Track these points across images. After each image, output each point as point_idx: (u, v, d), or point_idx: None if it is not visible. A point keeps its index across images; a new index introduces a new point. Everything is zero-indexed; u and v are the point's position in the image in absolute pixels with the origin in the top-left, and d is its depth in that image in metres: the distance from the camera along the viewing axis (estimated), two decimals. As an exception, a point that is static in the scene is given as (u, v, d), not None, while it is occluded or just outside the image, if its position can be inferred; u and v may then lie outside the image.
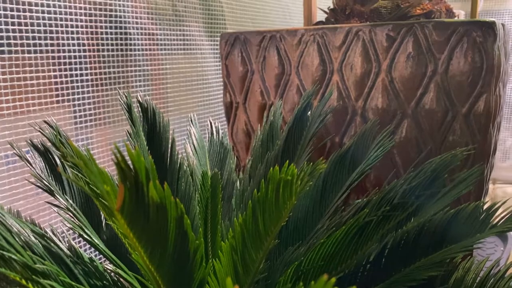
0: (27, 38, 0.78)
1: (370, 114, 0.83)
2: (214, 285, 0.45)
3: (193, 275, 0.43)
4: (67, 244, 0.55)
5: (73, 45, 0.87)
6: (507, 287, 0.48)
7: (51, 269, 0.43)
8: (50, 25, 0.82)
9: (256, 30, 0.96)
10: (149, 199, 0.32)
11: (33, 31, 0.79)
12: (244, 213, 0.39)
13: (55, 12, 0.82)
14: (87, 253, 0.56)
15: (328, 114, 0.73)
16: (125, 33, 0.98)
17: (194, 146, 0.76)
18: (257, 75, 0.96)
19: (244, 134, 1.01)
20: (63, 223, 0.58)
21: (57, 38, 0.84)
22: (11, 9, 0.75)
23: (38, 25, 0.80)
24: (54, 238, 0.54)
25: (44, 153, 0.60)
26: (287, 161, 0.47)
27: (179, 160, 0.67)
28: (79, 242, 0.87)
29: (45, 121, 0.61)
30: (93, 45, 0.91)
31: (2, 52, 0.75)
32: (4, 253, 0.41)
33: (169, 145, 0.68)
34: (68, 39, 0.86)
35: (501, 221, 0.51)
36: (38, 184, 0.58)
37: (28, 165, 0.59)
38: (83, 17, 0.88)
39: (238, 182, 0.73)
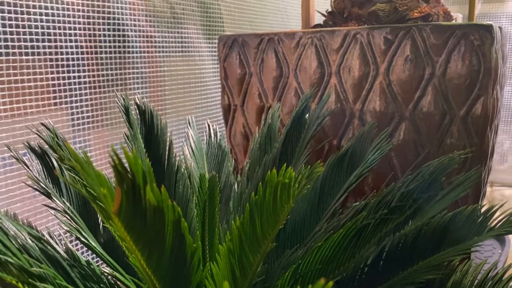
0: (25, 40, 0.78)
1: (368, 116, 0.84)
2: (212, 288, 0.45)
3: (191, 278, 0.43)
4: (64, 247, 0.54)
5: (71, 47, 0.87)
6: (504, 290, 0.48)
7: (47, 272, 0.43)
8: (48, 28, 0.82)
9: (254, 32, 0.96)
10: (146, 202, 0.32)
11: (30, 33, 0.79)
12: (241, 216, 0.39)
13: (53, 15, 0.82)
14: (84, 256, 0.56)
15: (326, 117, 0.73)
16: (123, 36, 0.98)
17: (192, 148, 0.76)
18: (255, 77, 0.96)
19: (242, 137, 1.01)
20: (60, 226, 0.58)
21: (55, 41, 0.83)
22: (9, 12, 0.75)
23: (36, 27, 0.80)
24: (51, 241, 0.54)
25: (41, 156, 0.60)
26: (285, 164, 0.47)
27: (176, 163, 0.67)
28: (76, 245, 0.87)
29: (42, 124, 0.60)
30: (91, 47, 0.91)
31: (0, 54, 0.75)
32: (1, 256, 0.41)
33: (167, 148, 0.68)
34: (66, 41, 0.85)
35: (499, 224, 0.51)
36: (35, 186, 0.58)
37: (25, 167, 0.58)
38: (81, 20, 0.88)
39: (236, 185, 0.73)
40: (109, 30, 0.94)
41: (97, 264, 0.55)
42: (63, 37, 0.85)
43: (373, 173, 0.84)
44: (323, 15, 1.02)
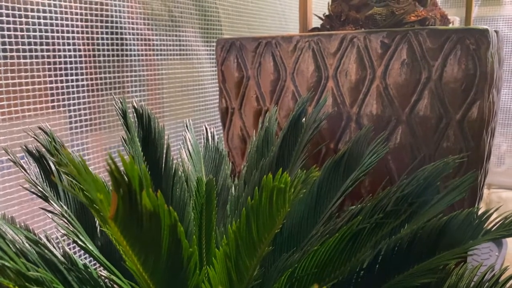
0: (23, 43, 0.78)
1: (364, 120, 0.84)
2: (208, 292, 0.45)
3: (187, 282, 0.43)
4: (62, 251, 0.54)
5: (69, 50, 0.87)
6: (500, 293, 0.48)
7: (45, 276, 0.43)
8: (46, 31, 0.82)
9: (252, 36, 0.96)
10: (142, 207, 0.32)
11: (28, 37, 0.79)
12: (238, 220, 0.39)
13: (51, 18, 0.83)
14: (81, 260, 0.56)
15: (323, 120, 0.74)
16: (121, 39, 0.98)
17: (189, 151, 0.76)
18: (252, 81, 0.96)
19: (240, 140, 1.01)
20: (58, 229, 0.58)
21: (53, 44, 0.84)
22: (7, 15, 0.75)
23: (34, 30, 0.80)
24: (49, 245, 0.54)
25: (39, 159, 0.60)
26: (281, 168, 0.47)
27: (174, 166, 0.68)
28: (74, 248, 0.87)
29: (39, 127, 0.61)
30: (89, 50, 0.91)
31: (-2, 57, 0.75)
32: (-2, 260, 0.41)
33: (164, 151, 0.68)
34: (63, 44, 0.86)
35: (495, 227, 0.51)
36: (33, 190, 0.58)
37: (23, 170, 0.59)
38: (79, 23, 0.88)
39: (233, 188, 0.73)
40: (107, 33, 0.95)
41: (94, 268, 0.55)
42: (61, 41, 0.85)
43: (370, 176, 0.84)
44: (320, 18, 1.02)
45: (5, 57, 0.76)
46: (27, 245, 0.49)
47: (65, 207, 0.59)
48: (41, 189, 0.58)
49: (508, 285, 0.50)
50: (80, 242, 0.55)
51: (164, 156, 0.67)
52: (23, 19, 0.78)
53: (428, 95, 0.78)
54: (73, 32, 0.87)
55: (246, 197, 0.67)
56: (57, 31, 0.84)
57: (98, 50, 0.93)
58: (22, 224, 0.58)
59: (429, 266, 0.50)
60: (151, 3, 1.05)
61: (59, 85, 0.86)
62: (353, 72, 0.84)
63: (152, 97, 1.09)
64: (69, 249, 0.73)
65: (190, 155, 0.76)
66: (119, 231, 0.33)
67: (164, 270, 0.39)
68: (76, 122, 0.90)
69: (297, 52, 0.90)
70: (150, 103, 1.09)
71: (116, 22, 0.97)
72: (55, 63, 0.84)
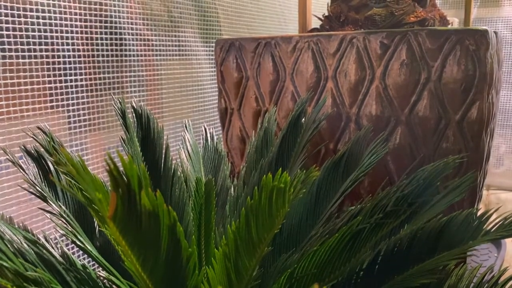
0: (22, 43, 0.78)
1: (364, 121, 0.84)
2: (207, 292, 0.45)
3: (186, 282, 0.43)
4: (60, 251, 0.54)
5: (68, 50, 0.87)
6: (500, 294, 0.48)
7: (43, 276, 0.43)
8: (45, 31, 0.82)
9: (251, 36, 0.96)
10: (141, 207, 0.32)
11: (27, 36, 0.79)
12: (237, 221, 0.39)
13: (50, 18, 0.82)
14: (80, 260, 0.56)
15: (322, 121, 0.74)
16: (120, 39, 0.98)
17: (188, 152, 0.76)
18: (252, 81, 0.96)
19: (239, 140, 1.01)
20: (56, 230, 0.58)
21: (52, 44, 0.83)
22: (6, 15, 0.75)
23: (33, 30, 0.80)
24: (47, 245, 0.53)
25: (38, 159, 0.60)
26: (280, 168, 0.47)
27: (173, 166, 0.67)
28: (72, 248, 0.87)
29: (38, 127, 0.60)
30: (88, 50, 0.91)
31: (-4, 57, 0.75)
32: (-4, 260, 0.41)
33: (163, 151, 0.68)
34: (62, 44, 0.86)
35: (494, 228, 0.51)
36: (31, 190, 0.58)
37: (21, 171, 0.58)
38: (78, 23, 0.88)
39: (232, 189, 0.73)
40: (106, 33, 0.94)
41: (92, 268, 0.54)
42: (60, 41, 0.85)
43: (369, 177, 0.84)
44: (320, 19, 1.02)
45: (4, 57, 0.76)
46: (25, 245, 0.49)
47: (63, 207, 0.59)
48: (39, 189, 0.57)
49: (507, 286, 0.50)
50: (78, 242, 0.54)
51: (163, 156, 0.67)
52: (22, 19, 0.78)
53: (427, 95, 0.78)
54: (72, 32, 0.87)
55: (245, 197, 0.67)
56: (56, 31, 0.84)
57: (97, 50, 0.93)
58: (21, 224, 0.57)
59: (429, 267, 0.50)
60: (150, 3, 1.05)
61: (58, 85, 0.86)
62: (352, 73, 0.84)
63: (151, 98, 1.09)
64: (68, 249, 0.72)
65: (189, 155, 0.76)
66: (118, 230, 0.33)
67: (163, 270, 0.39)
68: (75, 122, 0.90)
69: (296, 52, 0.90)
70: (149, 103, 1.09)
71: (115, 22, 0.96)
72: (54, 63, 0.84)
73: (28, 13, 0.79)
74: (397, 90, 0.80)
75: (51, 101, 0.85)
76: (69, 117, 0.89)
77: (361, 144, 0.68)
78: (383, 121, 0.82)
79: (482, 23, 2.17)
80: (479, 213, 0.54)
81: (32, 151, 0.60)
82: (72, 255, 0.54)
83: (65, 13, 0.85)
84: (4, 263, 0.41)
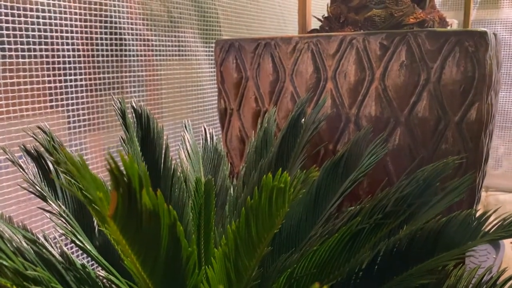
0: (21, 43, 0.78)
1: (363, 121, 0.84)
2: (207, 292, 0.45)
3: (186, 282, 0.43)
4: (59, 250, 0.54)
5: (68, 50, 0.87)
6: (498, 295, 0.48)
7: (42, 275, 0.43)
8: (45, 30, 0.82)
9: (251, 37, 0.96)
10: (142, 206, 0.32)
11: (27, 36, 0.79)
12: (237, 220, 0.39)
13: (49, 17, 0.82)
14: (79, 260, 0.56)
15: (322, 122, 0.74)
16: (120, 39, 0.98)
17: (188, 152, 0.76)
18: (251, 81, 0.96)
19: (238, 141, 1.01)
20: (56, 229, 0.58)
21: (52, 43, 0.83)
22: (6, 14, 0.75)
23: (33, 30, 0.80)
24: (46, 244, 0.53)
25: (37, 158, 0.60)
26: (280, 168, 0.47)
27: (172, 166, 0.67)
28: (72, 248, 0.87)
29: (38, 127, 0.60)
30: (87, 50, 0.91)
31: (-4, 56, 0.75)
32: (-5, 259, 0.41)
33: (163, 151, 0.68)
34: (62, 44, 0.86)
35: (493, 229, 0.51)
36: (31, 189, 0.58)
37: (21, 170, 0.58)
38: (78, 22, 0.88)
39: (231, 189, 0.73)
40: (106, 33, 0.94)
41: (92, 268, 0.54)
42: (59, 40, 0.85)
43: (368, 177, 0.84)
44: (319, 20, 1.02)
45: (3, 57, 0.76)
46: (24, 244, 0.49)
47: (63, 207, 0.59)
48: (39, 189, 0.57)
49: (506, 286, 0.50)
50: (78, 242, 0.54)
51: (163, 156, 0.67)
52: (22, 19, 0.78)
53: (426, 96, 0.78)
54: (72, 32, 0.87)
55: (245, 197, 0.67)
56: (56, 31, 0.84)
57: (97, 50, 0.93)
58: (20, 224, 0.57)
59: (428, 267, 0.50)
60: (150, 3, 1.05)
61: (58, 85, 0.86)
62: (352, 74, 0.84)
63: (150, 98, 1.09)
64: (67, 249, 0.72)
65: (189, 155, 0.76)
66: (119, 229, 0.33)
67: (163, 270, 0.39)
68: (74, 122, 0.90)
69: (296, 53, 0.90)
70: (148, 103, 1.09)
71: (115, 22, 0.97)
72: (53, 63, 0.84)
73: (28, 12, 0.79)
74: (396, 91, 0.80)
75: (51, 101, 0.85)
76: (68, 117, 0.89)
77: (360, 144, 0.68)
78: (382, 122, 0.82)
79: (481, 25, 2.17)
80: (477, 214, 0.54)
81: (32, 151, 0.60)
82: (71, 255, 0.54)
83: (65, 13, 0.85)
84: (4, 262, 0.41)
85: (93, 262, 0.61)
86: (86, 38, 0.91)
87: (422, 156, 0.80)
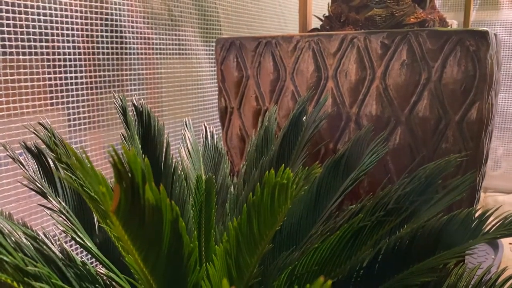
0: (22, 40, 0.78)
1: (364, 120, 0.84)
2: (208, 289, 0.45)
3: (187, 278, 0.43)
4: (59, 247, 0.54)
5: (68, 48, 0.87)
6: (499, 294, 0.48)
7: (42, 271, 0.43)
8: (46, 28, 0.82)
9: (252, 35, 0.96)
10: (144, 201, 0.32)
11: (28, 33, 0.79)
12: (239, 217, 0.39)
13: (50, 15, 0.82)
14: (79, 257, 0.56)
15: (323, 120, 0.74)
16: (121, 37, 0.98)
17: (188, 150, 0.76)
18: (252, 80, 0.96)
19: (239, 139, 1.01)
20: (56, 226, 0.58)
21: (52, 41, 0.83)
22: (7, 11, 0.75)
23: (34, 27, 0.80)
24: (46, 241, 0.53)
25: (38, 155, 0.60)
26: (283, 165, 0.47)
27: (173, 164, 0.67)
28: (72, 245, 0.86)
29: (39, 123, 0.60)
30: (88, 48, 0.91)
31: (-3, 53, 0.74)
32: (-4, 254, 0.40)
33: (164, 149, 0.68)
34: (63, 41, 0.85)
35: (494, 228, 0.51)
36: (31, 186, 0.58)
37: (21, 167, 0.58)
38: (78, 20, 0.88)
39: (232, 187, 0.73)
40: (106, 31, 0.94)
41: (92, 265, 0.54)
42: (60, 38, 0.85)
43: (369, 176, 0.84)
44: (320, 19, 1.02)
45: (4, 54, 0.75)
46: (24, 240, 0.49)
47: (63, 204, 0.59)
48: (39, 186, 0.57)
49: (506, 286, 0.50)
50: (78, 239, 0.54)
51: (164, 154, 0.67)
52: (23, 16, 0.78)
53: (427, 96, 0.78)
54: (72, 29, 0.87)
55: (245, 195, 0.67)
56: (57, 28, 0.84)
57: (98, 48, 0.93)
58: (20, 221, 0.57)
59: (429, 265, 0.50)
60: (151, 2, 1.05)
61: (58, 82, 0.85)
62: (353, 73, 0.84)
63: (151, 96, 1.09)
64: (67, 246, 0.72)
65: (189, 153, 0.76)
66: (121, 224, 0.33)
67: (165, 266, 0.39)
68: (74, 119, 0.90)
69: (297, 52, 0.90)
70: (149, 101, 1.09)
71: (116, 21, 0.96)
72: (54, 60, 0.84)
73: (28, 9, 0.79)
74: (397, 90, 0.80)
75: (51, 98, 0.85)
76: (68, 114, 0.88)
77: (361, 143, 0.68)
78: (383, 121, 0.82)
79: (480, 26, 2.17)
80: (477, 213, 0.54)
81: (32, 148, 0.60)
82: (71, 252, 0.54)
83: (65, 10, 0.85)
84: (4, 257, 0.40)
85: (93, 259, 0.61)
86: (87, 36, 0.90)
87: (423, 155, 0.80)
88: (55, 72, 0.84)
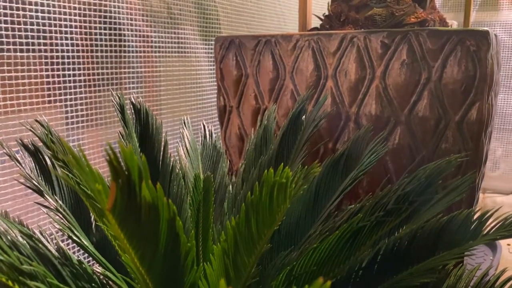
0: (20, 37, 0.77)
1: (363, 120, 0.84)
2: (205, 289, 0.44)
3: (184, 278, 0.42)
4: (55, 246, 0.54)
5: (67, 45, 0.86)
6: (498, 295, 0.48)
7: (38, 270, 0.42)
8: (44, 25, 0.81)
9: (252, 34, 0.96)
10: (141, 199, 0.31)
11: (26, 30, 0.78)
12: (237, 216, 0.38)
13: (48, 12, 0.82)
14: (76, 255, 0.55)
15: (322, 120, 0.73)
16: (119, 35, 0.97)
17: (186, 148, 0.75)
18: (251, 79, 0.96)
19: (237, 138, 1.00)
20: (52, 225, 0.57)
21: (50, 38, 0.83)
22: (4, 7, 0.74)
23: (31, 24, 0.79)
24: (42, 239, 0.53)
25: (34, 153, 0.60)
26: (282, 164, 0.47)
27: (171, 163, 0.67)
28: (68, 244, 0.86)
29: (36, 121, 0.60)
30: (86, 45, 0.90)
31: (-6, 50, 0.74)
32: (-9, 253, 0.40)
33: (162, 147, 0.67)
34: (61, 39, 0.85)
35: (493, 229, 0.51)
36: (28, 184, 0.57)
37: (18, 165, 0.58)
38: (77, 17, 0.87)
39: (230, 186, 0.73)
40: (105, 28, 0.94)
41: (89, 264, 0.54)
42: (58, 35, 0.84)
43: (368, 176, 0.84)
44: (320, 18, 1.02)
45: (1, 50, 0.75)
46: (20, 238, 0.48)
47: (60, 202, 0.58)
48: (36, 184, 0.57)
49: (506, 286, 0.50)
50: (74, 238, 0.54)
51: (162, 152, 0.67)
52: (21, 12, 0.77)
53: (427, 96, 0.78)
54: (71, 26, 0.86)
55: (244, 195, 0.66)
56: (55, 25, 0.83)
57: (96, 45, 0.92)
58: (16, 219, 0.57)
59: (428, 266, 0.50)
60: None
61: (56, 79, 0.85)
62: (352, 72, 0.83)
63: (149, 94, 1.08)
64: (64, 245, 0.72)
65: (188, 152, 0.75)
66: (117, 223, 0.32)
67: (162, 265, 0.39)
68: (72, 117, 0.89)
69: (296, 51, 0.89)
70: (147, 100, 1.08)
71: (115, 18, 0.96)
72: (52, 57, 0.84)
73: (27, 6, 0.78)
74: (397, 90, 0.80)
75: (49, 95, 0.84)
76: (66, 112, 0.88)
77: (360, 143, 0.68)
78: (382, 121, 0.82)
79: (480, 27, 2.17)
80: (478, 214, 0.53)
81: (29, 145, 0.59)
82: (67, 250, 0.54)
83: (64, 7, 0.85)
84: (0, 256, 0.40)
85: (89, 258, 0.61)
86: (85, 33, 0.90)
87: (422, 155, 0.80)
88: (52, 69, 0.84)
